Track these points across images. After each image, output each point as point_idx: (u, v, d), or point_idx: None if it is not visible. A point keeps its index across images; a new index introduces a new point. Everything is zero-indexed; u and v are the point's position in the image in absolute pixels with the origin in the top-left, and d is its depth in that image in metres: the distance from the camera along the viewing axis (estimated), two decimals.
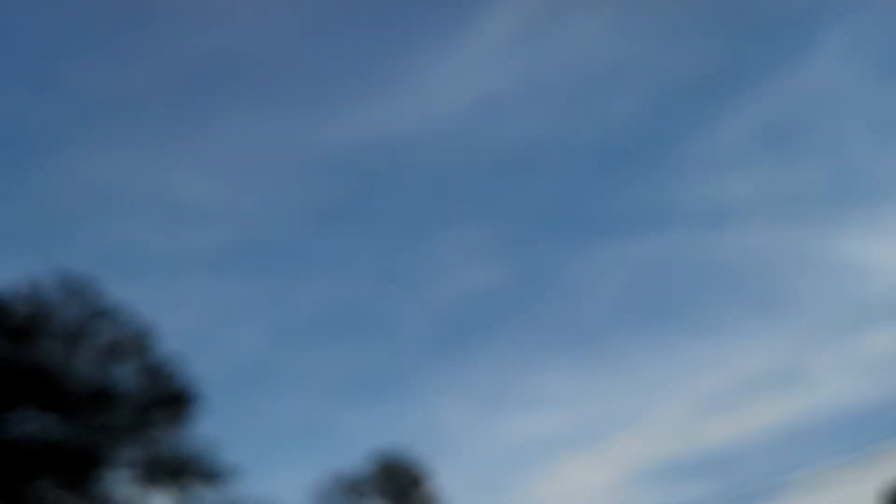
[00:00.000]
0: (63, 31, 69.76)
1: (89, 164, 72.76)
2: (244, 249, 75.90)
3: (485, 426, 66.54)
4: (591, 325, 74.98)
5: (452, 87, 76.89)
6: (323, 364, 69.95)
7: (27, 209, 65.36)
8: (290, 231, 77.41)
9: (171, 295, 66.13)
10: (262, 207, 78.54)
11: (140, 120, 77.33)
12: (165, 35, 74.08)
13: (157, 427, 31.72)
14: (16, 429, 29.66)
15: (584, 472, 63.52)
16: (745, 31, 77.45)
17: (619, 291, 76.25)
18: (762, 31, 77.29)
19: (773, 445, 62.71)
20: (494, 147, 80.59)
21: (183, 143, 78.42)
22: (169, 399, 31.96)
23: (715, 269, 76.16)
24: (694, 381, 68.17)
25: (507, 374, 70.17)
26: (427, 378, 69.67)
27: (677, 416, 67.25)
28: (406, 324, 75.00)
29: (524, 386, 68.32)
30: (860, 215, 74.61)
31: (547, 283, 78.46)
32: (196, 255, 73.74)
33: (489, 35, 74.15)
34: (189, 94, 78.63)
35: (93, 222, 70.96)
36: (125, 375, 31.61)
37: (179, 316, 61.51)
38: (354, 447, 55.58)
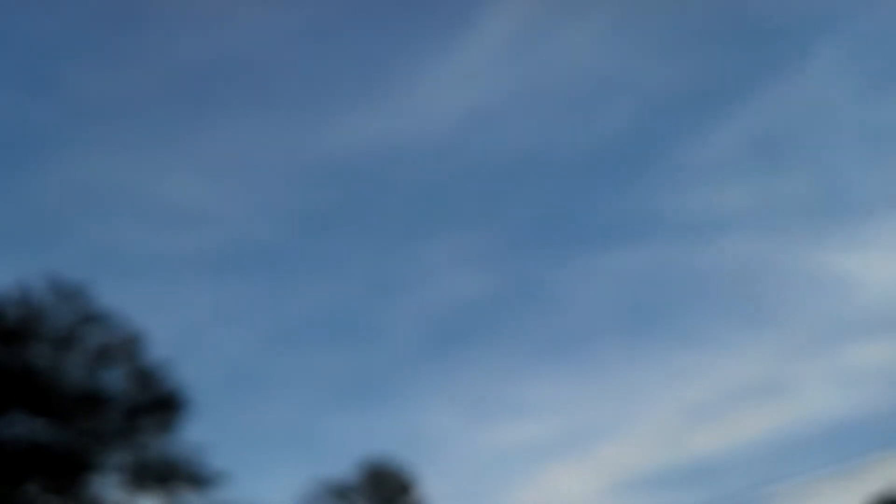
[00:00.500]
0: (59, 33, 69.96)
1: (82, 166, 72.86)
2: (235, 253, 76.01)
3: (472, 433, 66.77)
4: (579, 334, 75.35)
5: (445, 95, 77.37)
6: (312, 369, 70.06)
7: (19, 211, 65.46)
8: (281, 235, 77.60)
9: (161, 298, 66.16)
10: (255, 211, 78.72)
11: (134, 123, 77.55)
12: (161, 39, 74.32)
13: (146, 431, 31.85)
14: (5, 432, 29.76)
15: (570, 481, 63.74)
16: (737, 43, 78.12)
17: (607, 301, 76.61)
18: (753, 43, 77.93)
19: (757, 456, 63.09)
20: (486, 155, 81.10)
21: (176, 147, 78.59)
22: (158, 403, 32.09)
23: (702, 280, 76.63)
24: (680, 391, 68.49)
25: (495, 382, 70.43)
26: (415, 384, 69.85)
27: (663, 425, 67.58)
28: (395, 330, 75.23)
29: (511, 393, 68.56)
30: (847, 229, 75.19)
31: (535, 291, 78.81)
32: (187, 259, 73.86)
33: (482, 44, 74.66)
34: (183, 98, 78.92)
35: (85, 225, 70.99)
36: (115, 380, 31.75)
37: (170, 319, 61.62)
38: (342, 453, 55.73)
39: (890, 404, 65.53)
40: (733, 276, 76.11)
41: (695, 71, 79.46)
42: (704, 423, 66.92)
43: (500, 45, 75.96)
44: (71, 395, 30.62)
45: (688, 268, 76.26)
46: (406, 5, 78.33)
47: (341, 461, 46.15)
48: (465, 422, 67.90)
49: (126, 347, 31.89)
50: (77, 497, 30.31)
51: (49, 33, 67.69)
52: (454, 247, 77.67)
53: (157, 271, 71.23)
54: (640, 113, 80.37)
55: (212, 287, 72.80)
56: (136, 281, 65.73)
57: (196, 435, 32.83)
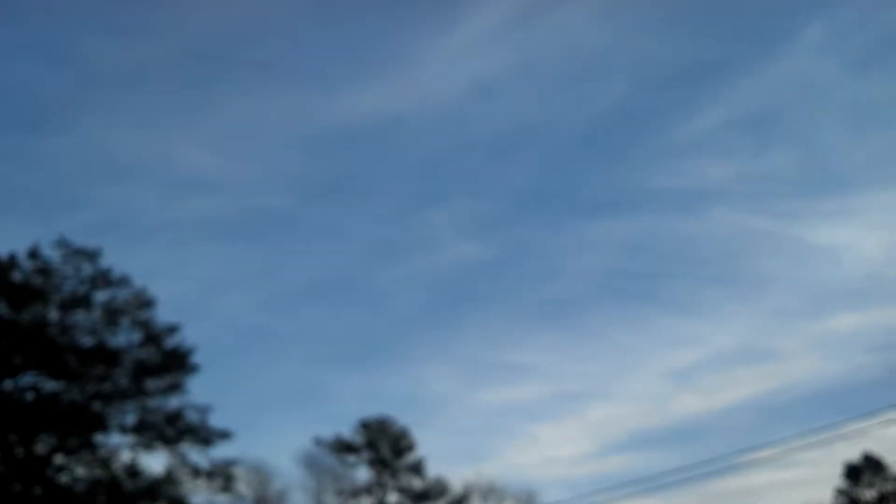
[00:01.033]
0: (77, 4, 70.10)
1: (96, 134, 73.55)
2: (242, 219, 77.03)
3: (468, 394, 68.09)
4: (572, 300, 76.89)
5: (446, 68, 78.15)
6: (315, 331, 71.41)
7: (35, 176, 66.13)
8: (286, 202, 78.62)
9: (170, 262, 67.29)
10: (261, 179, 79.66)
11: (147, 92, 78.18)
12: (175, 11, 74.65)
13: (154, 391, 32.54)
14: (17, 390, 30.50)
15: (560, 441, 65.32)
16: (726, 23, 78.94)
17: (599, 268, 77.98)
18: (742, 23, 78.69)
19: (742, 420, 64.69)
20: (485, 127, 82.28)
21: (186, 116, 79.32)
22: (166, 364, 32.70)
23: (691, 250, 77.99)
24: (667, 356, 69.95)
25: (490, 345, 71.80)
26: (414, 346, 71.14)
27: (651, 389, 69.07)
28: (395, 294, 76.54)
29: (506, 356, 69.91)
30: (831, 203, 76.43)
31: (531, 258, 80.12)
32: (196, 225, 74.93)
33: (482, 19, 75.35)
34: (193, 70, 79.42)
35: (98, 190, 71.82)
36: (124, 340, 32.38)
37: (178, 283, 62.78)
38: (343, 412, 56.98)
39: (872, 372, 67.03)
40: (722, 247, 77.50)
41: (686, 49, 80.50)
42: (691, 388, 68.45)
43: (499, 21, 76.79)
44: (81, 354, 31.33)
45: (677, 238, 77.66)
46: None
47: (342, 420, 47.36)
48: (461, 383, 69.32)
49: (135, 309, 32.51)
50: (87, 454, 31.11)
51: (67, 4, 67.87)
52: (453, 215, 78.81)
53: (167, 236, 72.25)
54: (634, 89, 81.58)
55: (219, 252, 73.95)
56: (147, 245, 66.81)
57: (202, 395, 33.61)
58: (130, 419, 32.01)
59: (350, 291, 75.78)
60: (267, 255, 75.85)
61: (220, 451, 33.10)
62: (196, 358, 33.22)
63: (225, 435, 32.92)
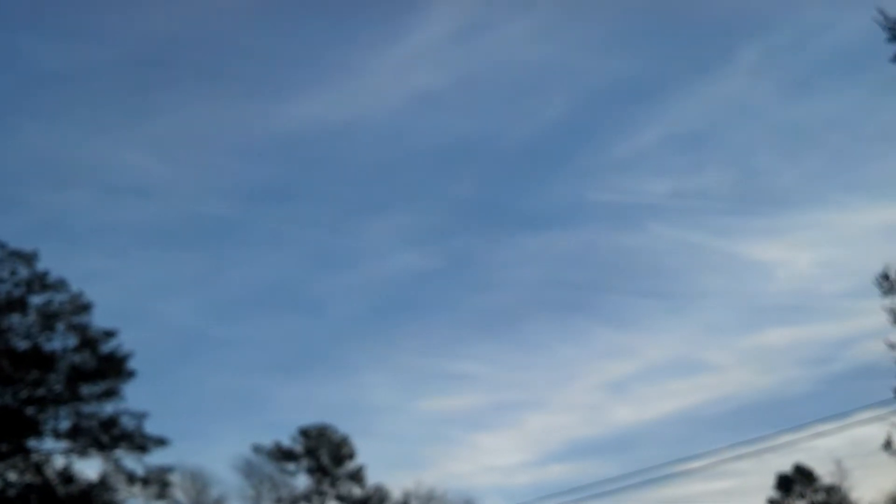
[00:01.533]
0: (14, 6, 69.24)
1: (32, 136, 72.66)
2: (181, 226, 76.61)
3: (407, 403, 68.30)
4: (511, 311, 77.77)
5: (391, 79, 78.64)
6: (254, 339, 71.19)
7: None
8: (227, 209, 78.26)
9: (107, 267, 66.65)
10: (202, 186, 79.27)
11: (87, 96, 77.48)
12: (117, 14, 73.98)
13: (89, 396, 32.26)
14: None
15: (498, 450, 66.03)
16: (665, 44, 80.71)
17: (538, 281, 78.99)
18: (680, 44, 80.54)
19: (674, 431, 65.97)
20: (428, 139, 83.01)
21: (127, 120, 78.66)
22: (101, 369, 32.47)
23: (627, 264, 79.41)
24: (602, 368, 71.02)
25: (430, 354, 72.32)
26: (354, 355, 71.26)
27: (587, 399, 70.08)
28: (336, 302, 76.69)
29: (445, 366, 70.37)
30: (764, 220, 78.25)
31: (470, 270, 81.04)
32: (134, 230, 74.28)
33: (428, 32, 75.88)
34: (134, 74, 78.81)
35: (33, 194, 70.93)
36: (59, 345, 32.09)
37: (116, 289, 62.17)
38: (283, 420, 56.86)
39: (802, 386, 68.65)
40: (657, 261, 79.05)
41: (624, 67, 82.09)
42: (627, 399, 69.59)
43: (445, 34, 77.44)
44: (15, 358, 31.01)
45: (614, 251, 79.01)
46: None
47: (282, 428, 47.21)
48: (401, 392, 69.61)
49: (71, 313, 32.23)
50: (19, 459, 30.78)
51: (6, 4, 67.02)
52: (395, 224, 79.32)
53: (105, 241, 71.60)
54: (574, 105, 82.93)
55: (158, 258, 73.40)
56: (84, 250, 66.14)
57: (138, 401, 33.40)
58: (65, 424, 31.73)
59: (290, 299, 75.89)
60: (206, 262, 75.61)
61: (157, 458, 33.04)
62: (133, 364, 33.10)
63: (161, 441, 32.77)
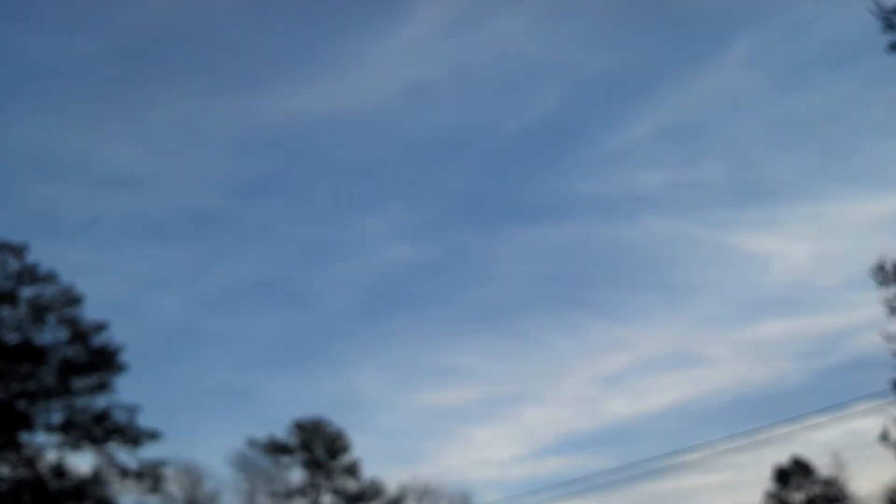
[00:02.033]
0: None
1: (21, 128, 72.34)
2: (173, 218, 76.30)
3: (402, 396, 68.11)
4: (505, 304, 77.46)
5: (383, 71, 78.32)
6: (247, 332, 70.87)
7: None
8: (218, 202, 78.03)
9: (97, 260, 66.44)
10: (193, 178, 79.04)
11: (75, 87, 77.15)
12: (104, 7, 73.78)
13: (81, 388, 32.11)
14: None
15: (494, 444, 65.88)
16: (660, 35, 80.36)
17: (532, 273, 78.73)
18: (675, 35, 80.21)
19: (670, 424, 65.76)
20: (420, 131, 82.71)
21: (117, 112, 78.45)
22: (93, 362, 32.33)
23: (621, 257, 79.18)
24: (598, 361, 70.81)
25: (424, 348, 72.13)
26: (348, 348, 70.95)
27: (583, 393, 69.89)
28: (329, 296, 76.42)
29: (440, 359, 70.13)
30: (759, 212, 78.04)
31: (463, 263, 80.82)
32: (125, 223, 74.04)
33: (419, 24, 75.62)
34: (124, 65, 78.50)
35: (22, 186, 70.61)
36: (50, 337, 31.98)
37: (106, 281, 61.99)
38: (276, 415, 56.66)
39: (798, 378, 68.54)
40: (652, 253, 78.84)
41: (618, 59, 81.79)
42: (622, 392, 69.42)
43: (436, 26, 77.17)
44: (6, 351, 30.83)
45: (608, 245, 78.79)
46: None
47: (276, 422, 47.03)
48: (395, 385, 69.38)
49: (62, 306, 32.09)
50: (11, 453, 30.60)
51: None
52: (388, 218, 79.06)
53: (94, 234, 71.39)
54: (567, 98, 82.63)
55: (148, 251, 73.21)
56: (73, 243, 65.90)
57: (132, 393, 33.26)
58: (56, 418, 31.59)
59: (283, 292, 75.67)
60: (198, 255, 75.22)
61: (150, 452, 32.85)
62: (125, 357, 32.94)
63: (154, 435, 32.64)
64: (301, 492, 44.91)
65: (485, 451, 64.40)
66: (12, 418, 30.54)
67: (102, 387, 32.31)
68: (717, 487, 49.12)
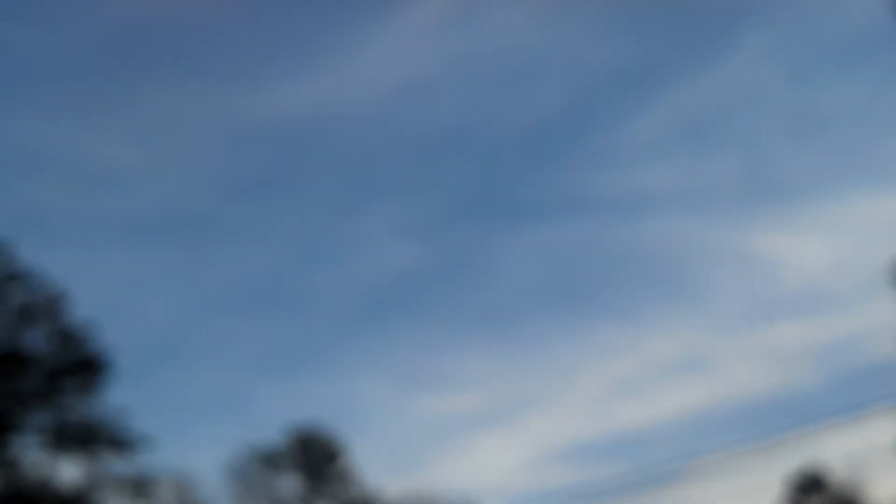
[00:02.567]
0: None
1: (8, 127, 71.09)
2: (163, 218, 74.88)
3: (401, 403, 66.90)
4: (508, 307, 76.08)
5: (380, 65, 76.96)
6: (240, 336, 69.47)
7: None
8: (210, 202, 76.62)
9: (87, 262, 65.00)
10: (183, 177, 77.61)
11: (62, 84, 75.74)
12: (95, 2, 72.60)
13: (68, 394, 31.18)
14: None
15: (498, 451, 64.48)
16: (666, 27, 79.02)
17: (536, 275, 77.47)
18: (683, 26, 78.86)
19: (681, 430, 64.54)
20: (419, 127, 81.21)
21: (104, 109, 76.89)
22: (81, 365, 31.40)
23: (629, 257, 77.78)
24: (605, 365, 69.57)
25: (424, 352, 70.84)
26: (344, 353, 69.81)
27: (589, 398, 68.65)
28: (324, 298, 75.00)
29: (440, 364, 68.91)
30: (772, 211, 76.91)
31: (465, 263, 79.47)
32: (114, 223, 72.61)
33: (417, 19, 74.38)
34: (112, 60, 77.13)
35: (9, 185, 69.28)
36: (37, 340, 31.02)
37: (95, 283, 60.43)
38: (270, 421, 55.32)
39: (811, 383, 67.41)
40: (662, 254, 77.57)
41: (627, 52, 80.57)
42: (629, 397, 68.24)
43: (435, 18, 75.91)
44: None
45: (616, 245, 77.37)
46: None
47: (269, 428, 45.94)
48: (394, 391, 68.08)
49: (49, 308, 31.15)
50: None
51: None
52: (386, 217, 77.68)
53: (85, 233, 69.99)
54: (571, 92, 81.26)
55: (140, 250, 71.66)
56: (61, 243, 64.42)
57: (121, 399, 32.23)
58: (43, 424, 30.60)
59: (277, 295, 74.25)
60: (189, 256, 73.84)
61: (140, 459, 31.99)
62: (113, 360, 31.94)
63: (143, 442, 31.72)
64: (297, 500, 44.00)
65: (488, 458, 63.20)
66: None
67: (91, 392, 31.37)
68: (730, 494, 48.19)
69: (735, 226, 76.41)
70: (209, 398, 62.33)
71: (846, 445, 46.19)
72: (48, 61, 73.93)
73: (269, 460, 44.07)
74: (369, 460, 47.69)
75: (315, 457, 44.39)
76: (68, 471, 31.06)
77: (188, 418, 58.39)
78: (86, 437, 31.07)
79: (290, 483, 44.44)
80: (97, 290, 58.58)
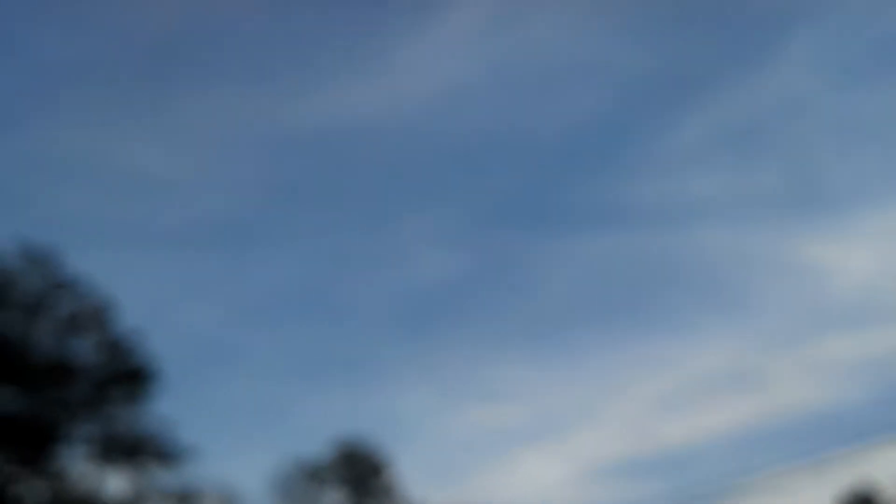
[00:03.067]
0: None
1: (52, 134, 71.55)
2: (206, 226, 75.14)
3: (445, 416, 66.30)
4: (552, 318, 75.16)
5: (420, 74, 76.90)
6: (283, 345, 69.40)
7: None
8: (252, 209, 76.81)
9: (130, 269, 65.02)
10: (226, 184, 77.88)
11: (104, 91, 76.25)
12: (134, 7, 72.90)
13: (115, 403, 30.89)
14: None
15: (541, 466, 63.54)
16: (713, 32, 78.13)
17: (580, 285, 76.72)
18: (729, 32, 77.97)
19: (729, 447, 63.20)
20: (460, 135, 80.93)
21: (148, 117, 77.39)
22: (127, 375, 31.13)
23: (675, 268, 76.87)
24: (652, 379, 68.49)
25: (468, 364, 70.06)
26: (387, 364, 69.18)
27: (635, 413, 67.55)
28: (366, 307, 74.69)
29: (484, 376, 68.16)
30: (822, 219, 75.58)
31: (508, 273, 78.81)
32: (157, 230, 72.86)
33: (457, 25, 74.25)
34: (156, 68, 77.59)
35: (54, 193, 69.69)
36: (84, 349, 30.77)
37: (138, 291, 60.43)
38: (313, 431, 55.18)
39: (864, 398, 65.82)
40: (708, 265, 76.37)
41: (670, 59, 79.85)
42: (677, 412, 66.98)
43: (476, 26, 75.70)
44: (40, 363, 29.65)
45: (662, 255, 76.47)
46: None
47: (313, 439, 45.51)
48: (437, 402, 67.45)
49: (96, 317, 30.89)
50: (44, 469, 29.39)
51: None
52: (427, 225, 77.35)
53: (128, 241, 70.16)
54: (615, 99, 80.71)
55: (183, 258, 71.86)
56: (107, 250, 64.60)
57: (165, 409, 32.02)
58: (90, 432, 30.30)
59: (319, 303, 74.13)
60: (232, 264, 73.79)
61: (185, 471, 31.72)
62: (159, 369, 31.72)
63: (190, 453, 31.47)
64: None
65: (532, 472, 62.33)
66: (43, 434, 29.28)
67: (136, 399, 31.06)
68: None
69: (782, 235, 75.22)
70: (252, 407, 62.04)
71: None
72: (89, 68, 74.51)
73: (314, 474, 43.65)
74: (413, 473, 47.20)
75: (359, 470, 43.92)
76: (114, 482, 30.79)
77: (231, 427, 58.14)
78: (132, 449, 30.77)
79: (334, 496, 43.97)
80: (141, 297, 58.70)
